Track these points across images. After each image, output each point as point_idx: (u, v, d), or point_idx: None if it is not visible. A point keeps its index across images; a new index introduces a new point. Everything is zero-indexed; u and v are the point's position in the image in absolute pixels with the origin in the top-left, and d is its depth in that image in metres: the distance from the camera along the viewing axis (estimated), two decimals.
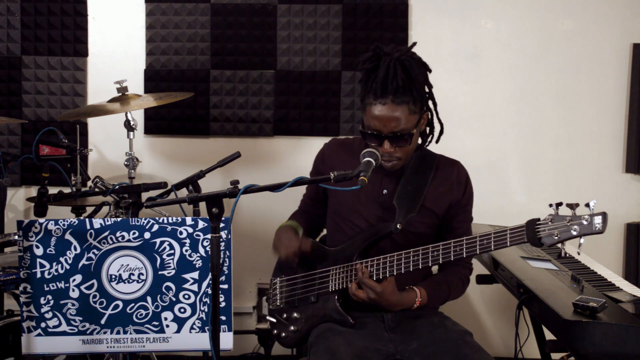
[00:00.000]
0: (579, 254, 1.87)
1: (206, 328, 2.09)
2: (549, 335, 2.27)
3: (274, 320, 2.33)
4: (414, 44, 2.24)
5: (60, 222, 2.08)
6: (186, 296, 2.10)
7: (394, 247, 2.20)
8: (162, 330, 2.10)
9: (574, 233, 1.81)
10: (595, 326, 1.84)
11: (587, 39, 3.45)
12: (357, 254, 2.20)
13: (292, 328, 2.28)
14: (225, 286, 2.07)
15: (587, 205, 1.80)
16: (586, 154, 3.49)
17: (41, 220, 2.08)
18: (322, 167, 2.35)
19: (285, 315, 2.31)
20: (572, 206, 1.82)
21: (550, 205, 1.86)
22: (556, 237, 1.83)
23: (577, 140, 3.49)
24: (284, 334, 2.30)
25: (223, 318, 2.07)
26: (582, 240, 1.82)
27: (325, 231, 2.47)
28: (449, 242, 2.02)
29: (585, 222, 1.80)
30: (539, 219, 1.88)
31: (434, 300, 2.22)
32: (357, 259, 2.19)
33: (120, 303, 2.09)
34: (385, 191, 2.24)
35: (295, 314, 2.28)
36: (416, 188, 2.22)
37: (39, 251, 2.08)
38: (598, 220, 1.79)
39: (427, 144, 2.28)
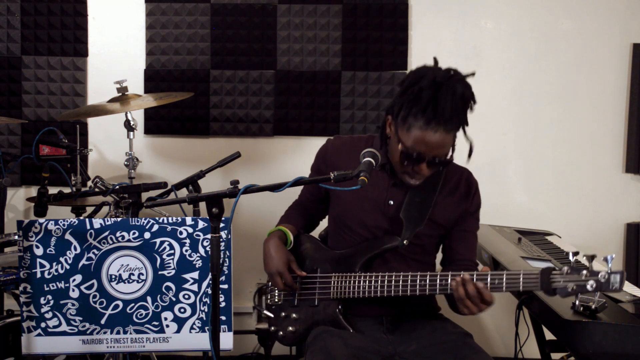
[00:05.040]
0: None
1: (206, 328, 2.09)
2: (549, 335, 2.26)
3: (272, 315, 2.32)
4: (473, 74, 2.06)
5: (60, 222, 2.08)
6: (186, 296, 2.10)
7: (396, 257, 2.19)
8: (162, 330, 2.10)
9: (590, 289, 1.80)
10: (595, 326, 1.84)
11: (587, 39, 3.45)
12: (360, 265, 2.17)
13: (290, 329, 2.26)
14: (225, 286, 2.07)
15: (605, 259, 1.79)
16: (586, 154, 3.49)
17: (41, 220, 2.08)
18: (323, 167, 2.28)
19: (283, 314, 2.29)
20: (590, 258, 1.82)
21: (567, 254, 1.84)
22: (571, 290, 1.81)
23: (577, 140, 3.49)
24: (281, 333, 2.28)
25: (223, 318, 2.07)
26: (597, 297, 1.84)
27: (327, 229, 2.46)
28: (460, 273, 1.97)
29: (602, 280, 1.78)
30: (554, 268, 1.85)
31: None
32: (360, 270, 2.16)
33: (120, 303, 2.09)
34: (391, 202, 2.19)
35: (294, 315, 2.26)
36: (424, 199, 2.16)
37: (39, 251, 2.08)
38: (615, 279, 1.77)
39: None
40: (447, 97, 1.96)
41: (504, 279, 1.92)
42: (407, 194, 2.18)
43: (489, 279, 1.93)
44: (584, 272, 1.81)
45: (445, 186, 2.20)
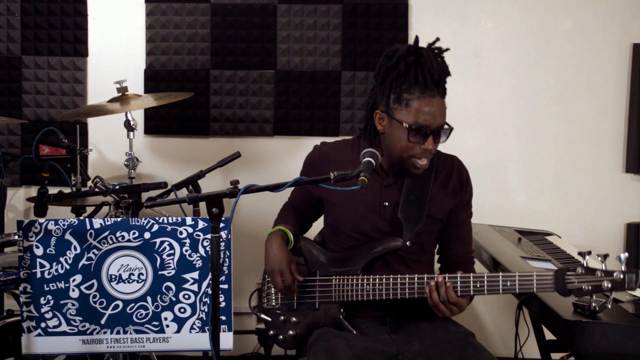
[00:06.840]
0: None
1: (206, 328, 2.09)
2: (549, 335, 2.27)
3: (269, 319, 2.31)
4: (437, 39, 2.17)
5: (60, 222, 2.08)
6: (186, 296, 2.10)
7: (396, 258, 2.18)
8: (162, 330, 2.10)
9: (605, 288, 1.80)
10: (595, 326, 1.84)
11: (587, 39, 3.45)
12: (362, 267, 2.16)
13: (290, 332, 2.24)
14: (225, 286, 2.07)
15: (618, 258, 1.79)
16: (586, 154, 3.49)
17: (41, 220, 2.08)
18: (312, 174, 2.24)
19: (282, 318, 2.27)
20: (602, 257, 1.81)
21: (580, 254, 1.84)
22: (586, 290, 1.81)
23: (577, 140, 3.49)
24: (281, 337, 2.26)
25: (223, 318, 2.07)
26: (612, 295, 1.82)
27: (321, 232, 2.45)
28: (469, 275, 1.98)
29: (618, 280, 1.79)
30: (568, 269, 1.85)
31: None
32: (362, 273, 2.15)
33: (120, 303, 2.09)
34: (386, 203, 2.17)
35: (294, 318, 2.24)
36: (419, 196, 2.15)
37: (39, 251, 2.08)
38: (631, 278, 1.78)
39: None
40: (428, 56, 2.03)
41: (517, 281, 1.92)
42: (401, 193, 2.16)
43: (500, 281, 1.94)
44: (598, 272, 1.80)
45: (437, 178, 2.20)
